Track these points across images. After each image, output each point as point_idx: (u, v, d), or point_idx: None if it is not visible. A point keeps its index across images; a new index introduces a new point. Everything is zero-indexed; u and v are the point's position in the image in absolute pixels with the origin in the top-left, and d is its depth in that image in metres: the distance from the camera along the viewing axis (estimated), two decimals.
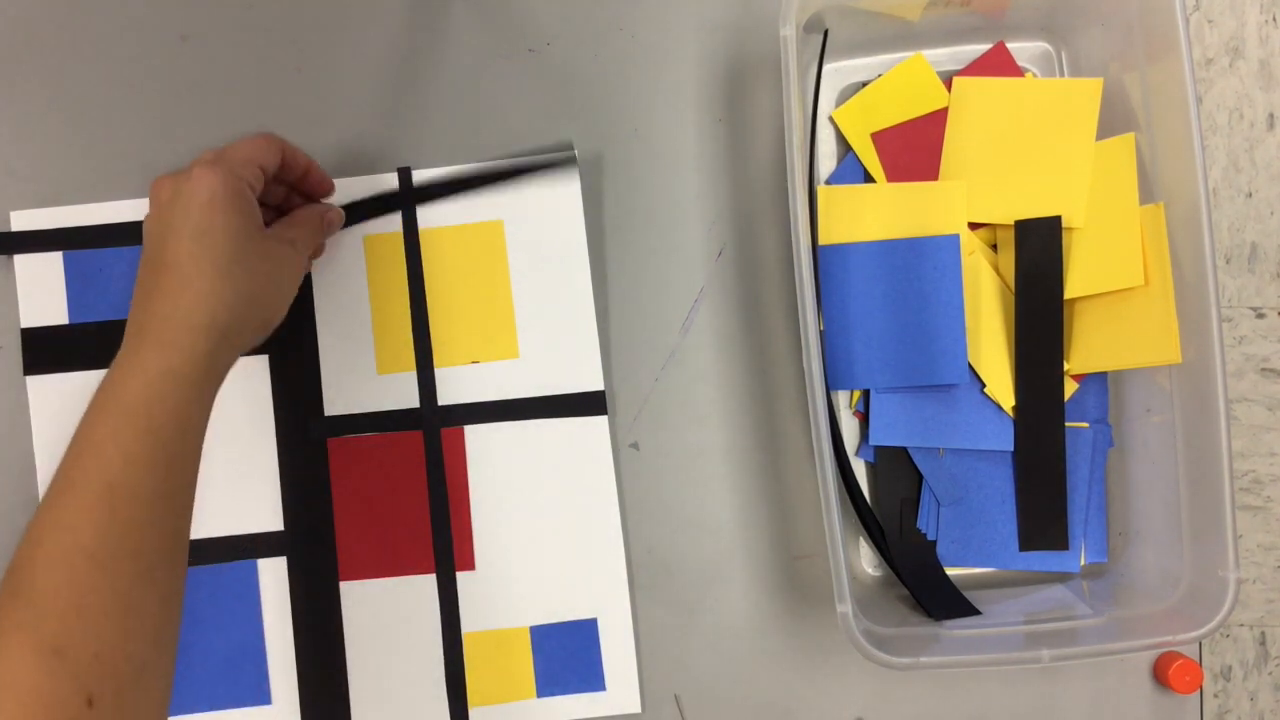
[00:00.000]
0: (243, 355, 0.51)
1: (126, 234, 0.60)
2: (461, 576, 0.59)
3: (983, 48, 0.61)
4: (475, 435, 0.60)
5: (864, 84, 0.61)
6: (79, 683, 0.40)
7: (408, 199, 0.60)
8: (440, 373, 0.60)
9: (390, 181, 0.61)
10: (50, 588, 0.41)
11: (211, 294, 0.47)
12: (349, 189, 0.61)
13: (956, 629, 0.55)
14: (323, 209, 0.57)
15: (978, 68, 0.60)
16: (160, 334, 0.46)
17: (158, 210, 0.49)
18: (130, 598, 0.43)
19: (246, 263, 0.49)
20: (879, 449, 0.60)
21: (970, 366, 0.59)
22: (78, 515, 0.43)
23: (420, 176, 0.61)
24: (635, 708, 0.59)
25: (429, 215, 0.61)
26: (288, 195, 0.57)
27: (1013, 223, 0.58)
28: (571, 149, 0.60)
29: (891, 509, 0.59)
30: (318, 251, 0.59)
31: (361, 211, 0.60)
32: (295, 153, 0.55)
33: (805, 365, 0.51)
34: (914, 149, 0.60)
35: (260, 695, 0.59)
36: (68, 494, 0.43)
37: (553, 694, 0.59)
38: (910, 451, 0.59)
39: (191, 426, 0.47)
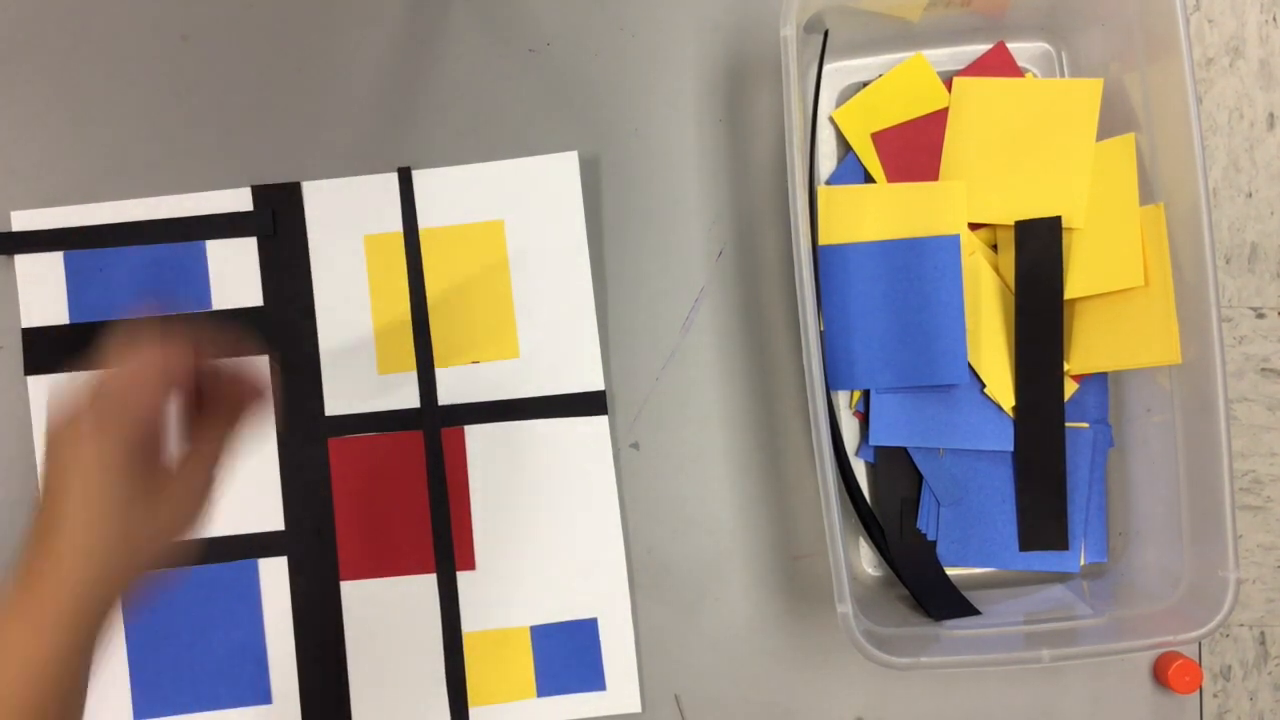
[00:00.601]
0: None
1: (126, 234, 0.60)
2: (461, 576, 0.59)
3: (983, 48, 0.61)
4: (475, 435, 0.60)
5: (864, 84, 0.61)
6: None
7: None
8: (440, 373, 0.60)
9: (390, 182, 0.61)
10: None
11: (82, 583, 0.43)
12: (350, 189, 0.61)
13: (956, 629, 0.55)
14: (240, 400, 0.48)
15: (978, 68, 0.60)
16: (26, 613, 0.42)
17: (47, 464, 0.44)
18: None
19: (129, 537, 0.44)
20: (879, 449, 0.60)
21: (970, 366, 0.59)
22: None
23: (420, 176, 0.61)
24: (635, 708, 0.59)
25: (429, 215, 0.61)
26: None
27: (1013, 223, 0.58)
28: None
29: (891, 509, 0.59)
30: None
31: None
32: (207, 367, 0.47)
33: (805, 365, 0.51)
34: (914, 149, 0.60)
35: (260, 695, 0.59)
36: None
37: (553, 694, 0.59)
38: (910, 451, 0.59)
39: (55, 707, 0.43)
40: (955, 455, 0.59)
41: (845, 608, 0.50)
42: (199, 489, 0.47)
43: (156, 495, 0.45)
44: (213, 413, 0.48)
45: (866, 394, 0.60)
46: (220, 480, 0.48)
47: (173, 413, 0.47)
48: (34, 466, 0.60)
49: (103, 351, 0.45)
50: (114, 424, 0.44)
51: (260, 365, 0.49)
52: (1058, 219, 0.58)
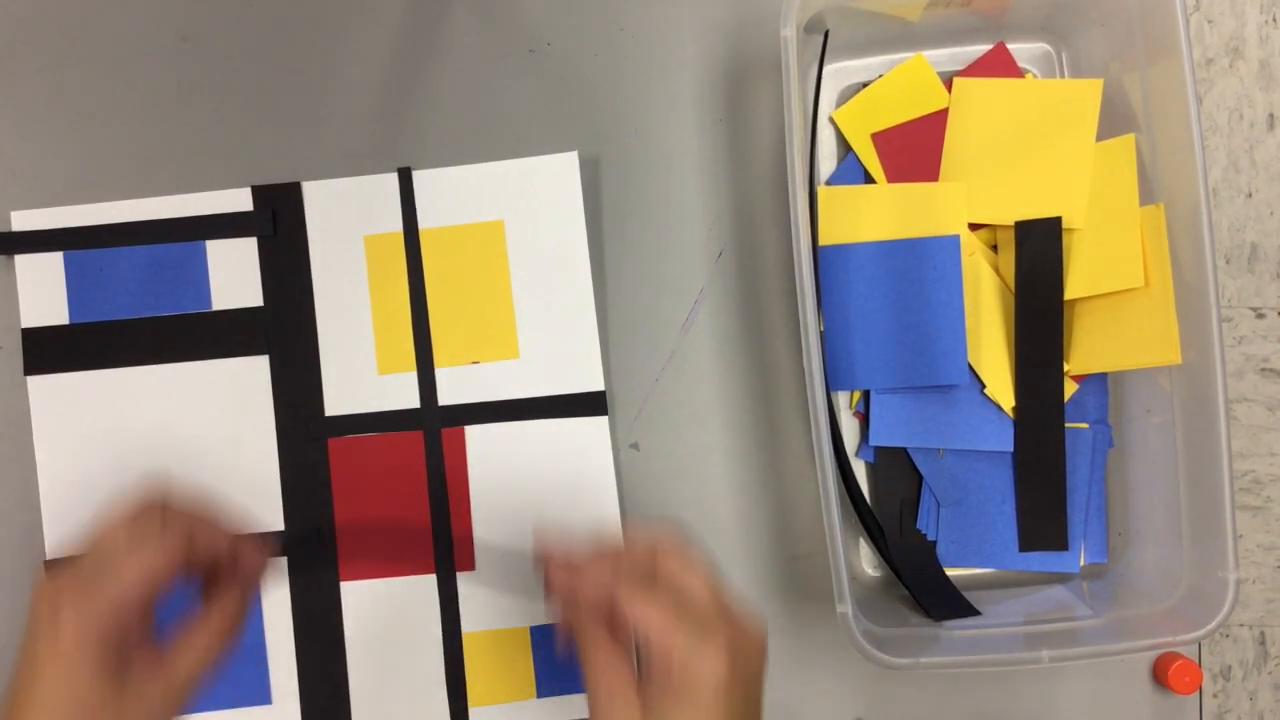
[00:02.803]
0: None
1: (126, 234, 0.60)
2: (461, 576, 0.59)
3: (983, 48, 0.61)
4: (475, 435, 0.60)
5: (864, 84, 0.61)
6: None
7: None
8: (440, 373, 0.60)
9: (390, 182, 0.61)
10: None
11: None
12: (350, 189, 0.61)
13: (956, 629, 0.55)
14: (237, 578, 0.47)
15: (978, 68, 0.60)
16: None
17: (28, 633, 0.42)
18: None
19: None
20: (879, 449, 0.60)
21: (970, 367, 0.59)
22: None
23: (420, 177, 0.61)
24: None
25: (429, 215, 0.61)
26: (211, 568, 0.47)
27: (1013, 223, 0.58)
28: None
29: (891, 509, 0.60)
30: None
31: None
32: (211, 537, 0.46)
33: (805, 365, 0.51)
34: (914, 149, 0.60)
35: (260, 695, 0.59)
36: None
37: (553, 694, 0.59)
38: (910, 452, 0.59)
39: None
40: (955, 455, 0.59)
41: (845, 608, 0.50)
42: (187, 673, 0.44)
43: (140, 683, 0.43)
44: (209, 590, 0.47)
45: (866, 394, 0.60)
46: (214, 659, 0.46)
47: (163, 594, 0.44)
48: (34, 467, 0.60)
49: (99, 531, 0.44)
50: (98, 610, 0.42)
51: (256, 544, 0.48)
52: (1058, 219, 0.58)
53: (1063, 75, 0.61)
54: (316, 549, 0.59)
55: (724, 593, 0.42)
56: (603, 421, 0.60)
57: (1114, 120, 0.58)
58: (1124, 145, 0.57)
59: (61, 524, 0.59)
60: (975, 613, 0.56)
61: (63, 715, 0.41)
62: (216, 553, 0.46)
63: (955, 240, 0.58)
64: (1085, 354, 0.58)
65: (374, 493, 0.60)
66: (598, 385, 0.60)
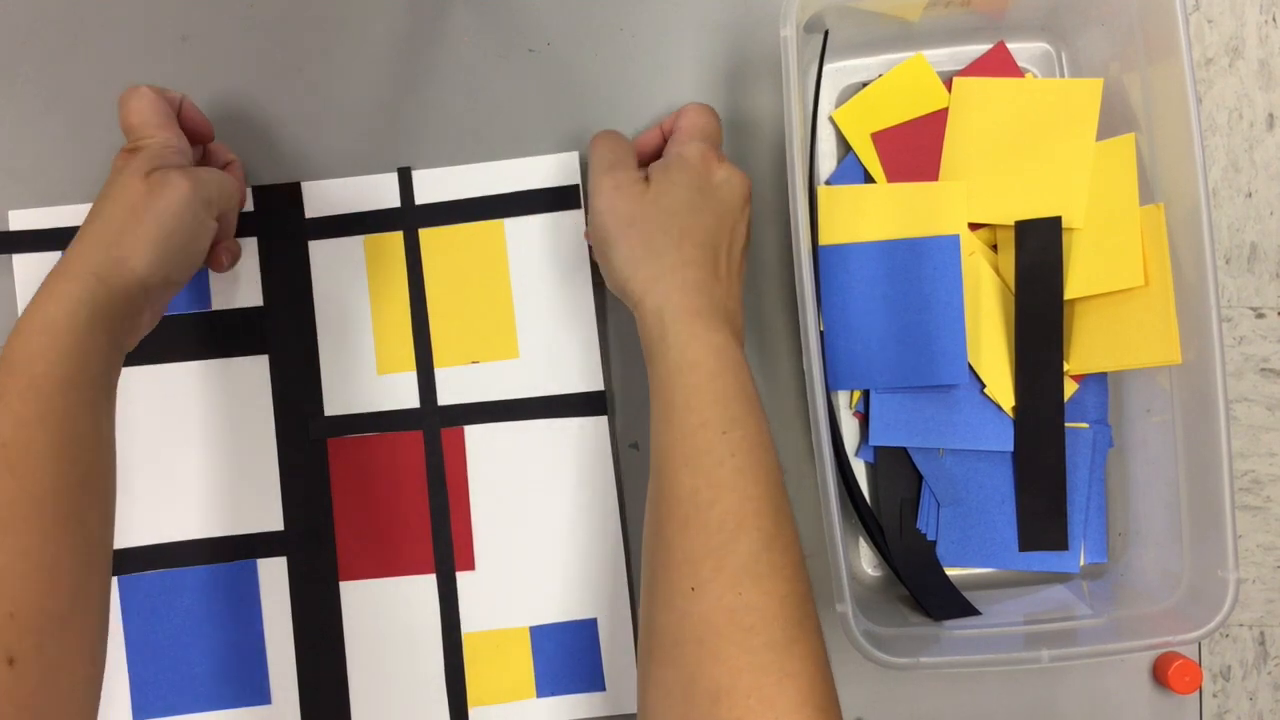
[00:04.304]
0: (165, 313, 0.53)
1: None
2: (461, 576, 0.59)
3: (983, 48, 0.61)
4: (475, 435, 0.60)
5: (864, 84, 0.61)
6: None
7: (410, 218, 0.60)
8: (440, 373, 0.60)
9: (390, 182, 0.61)
10: None
11: (143, 267, 0.49)
12: (350, 189, 0.61)
13: (956, 629, 0.55)
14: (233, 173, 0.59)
15: (978, 68, 0.60)
16: (48, 284, 0.47)
17: (130, 186, 0.50)
18: (40, 554, 0.42)
19: (186, 248, 0.51)
20: (879, 449, 0.60)
21: (970, 367, 0.59)
22: None
23: (420, 177, 0.61)
24: (635, 708, 0.59)
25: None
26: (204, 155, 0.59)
27: (1013, 223, 0.58)
28: (577, 179, 0.60)
29: (891, 509, 0.59)
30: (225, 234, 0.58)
31: (364, 225, 0.60)
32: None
33: (805, 365, 0.51)
34: (914, 149, 0.60)
35: (260, 695, 0.59)
36: None
37: (552, 694, 0.59)
38: (910, 452, 0.59)
39: (77, 378, 0.46)
40: (955, 455, 0.59)
41: (845, 608, 0.50)
42: (211, 178, 0.53)
43: (198, 239, 0.52)
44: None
45: (866, 394, 0.60)
46: (231, 191, 0.55)
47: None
48: None
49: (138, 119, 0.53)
50: (200, 180, 0.52)
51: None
52: (1058, 219, 0.58)
53: (1063, 75, 0.61)
54: (316, 548, 0.59)
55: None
56: (603, 421, 0.60)
57: (1114, 120, 0.58)
58: (1124, 145, 0.57)
59: None
60: (975, 612, 0.56)
61: (171, 247, 0.50)
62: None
63: (955, 240, 0.58)
64: (1085, 354, 0.58)
65: (373, 493, 0.60)
66: (598, 385, 0.60)
